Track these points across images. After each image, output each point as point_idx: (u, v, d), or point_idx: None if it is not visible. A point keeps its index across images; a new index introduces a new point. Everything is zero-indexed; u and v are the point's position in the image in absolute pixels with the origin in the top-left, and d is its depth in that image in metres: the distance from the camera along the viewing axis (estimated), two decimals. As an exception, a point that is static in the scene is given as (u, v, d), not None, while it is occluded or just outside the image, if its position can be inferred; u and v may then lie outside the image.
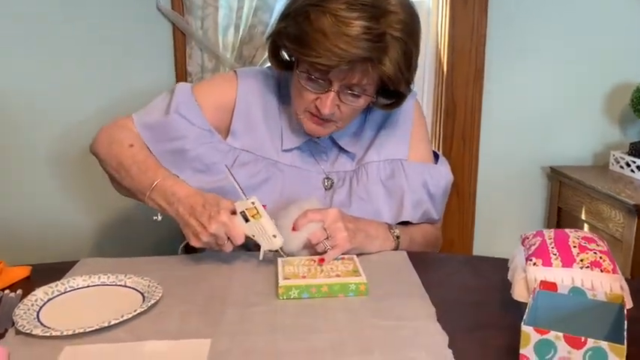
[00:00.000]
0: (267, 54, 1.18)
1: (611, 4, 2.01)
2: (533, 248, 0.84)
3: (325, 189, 1.20)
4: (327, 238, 1.02)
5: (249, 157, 1.17)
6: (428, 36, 2.04)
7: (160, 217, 1.07)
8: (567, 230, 0.86)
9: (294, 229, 1.03)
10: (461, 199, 2.08)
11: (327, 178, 1.21)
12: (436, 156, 1.29)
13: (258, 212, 1.00)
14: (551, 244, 0.82)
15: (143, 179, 1.07)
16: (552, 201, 2.11)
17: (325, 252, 1.01)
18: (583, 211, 1.92)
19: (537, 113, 2.09)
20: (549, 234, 0.86)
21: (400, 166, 1.20)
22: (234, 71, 1.23)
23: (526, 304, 0.81)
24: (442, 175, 1.24)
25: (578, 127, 2.11)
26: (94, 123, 1.86)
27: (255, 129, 1.19)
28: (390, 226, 1.14)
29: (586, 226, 1.92)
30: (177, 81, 1.88)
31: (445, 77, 2.00)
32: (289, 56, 1.14)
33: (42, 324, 0.84)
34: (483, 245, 2.15)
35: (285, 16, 1.08)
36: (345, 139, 1.21)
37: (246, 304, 0.90)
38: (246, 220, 1.00)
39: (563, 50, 2.04)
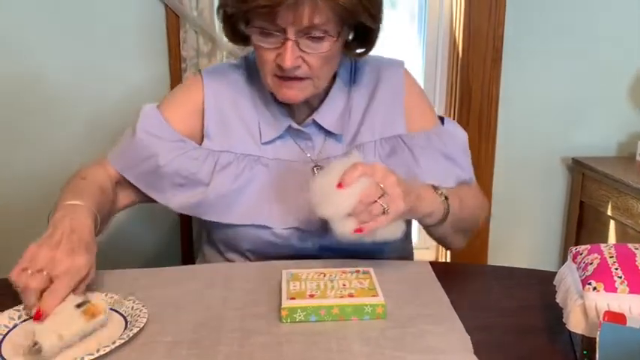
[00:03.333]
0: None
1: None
2: (590, 268, 0.69)
3: None
4: (382, 196, 0.86)
5: (230, 157, 1.07)
6: (441, 15, 1.90)
7: None
8: (631, 246, 0.72)
9: (340, 186, 0.85)
10: (476, 191, 1.94)
11: (317, 166, 1.09)
12: (442, 120, 1.16)
13: (94, 315, 0.75)
14: (613, 263, 0.68)
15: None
16: (574, 194, 1.98)
17: (373, 219, 0.86)
18: (609, 207, 1.78)
19: (558, 100, 1.95)
20: (609, 250, 0.71)
21: (400, 142, 1.08)
22: (200, 72, 1.14)
23: (582, 335, 0.68)
24: (453, 133, 1.13)
25: (602, 115, 1.97)
26: (80, 112, 1.79)
27: (230, 126, 1.09)
28: (434, 187, 0.99)
29: (612, 222, 1.78)
30: (172, 68, 1.75)
31: (460, 60, 1.86)
32: (244, 22, 1.02)
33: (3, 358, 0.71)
34: (500, 240, 2.02)
35: None
36: (330, 121, 1.09)
37: (244, 332, 0.76)
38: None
39: (586, 34, 1.90)
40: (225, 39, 1.70)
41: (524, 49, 1.89)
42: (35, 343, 0.70)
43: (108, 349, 0.70)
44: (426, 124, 1.11)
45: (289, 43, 0.95)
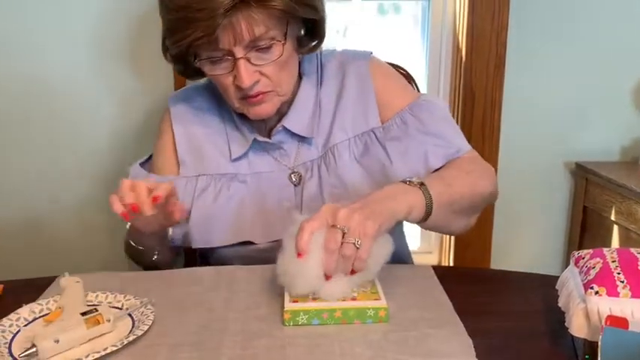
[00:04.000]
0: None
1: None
2: (593, 272, 0.69)
3: (294, 185, 1.07)
4: (344, 235, 0.77)
5: (207, 179, 1.07)
6: (445, 20, 1.90)
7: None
8: (633, 250, 0.72)
9: (299, 255, 0.78)
10: (479, 196, 1.93)
11: (294, 172, 1.08)
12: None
13: (98, 323, 0.76)
14: (616, 268, 0.68)
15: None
16: (577, 199, 1.97)
17: (352, 260, 0.78)
18: (613, 211, 1.77)
19: (561, 105, 1.94)
20: (611, 255, 0.71)
21: (373, 137, 1.05)
22: (168, 102, 1.15)
23: (584, 339, 0.68)
24: (430, 107, 1.05)
25: (605, 120, 1.96)
26: (83, 115, 1.79)
27: (201, 148, 1.10)
28: (404, 180, 0.90)
29: (616, 227, 1.77)
30: (176, 78, 1.75)
31: (463, 65, 1.86)
32: (192, 57, 1.01)
33: (11, 355, 0.72)
34: (503, 244, 2.01)
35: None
36: (300, 125, 1.07)
37: (246, 334, 0.76)
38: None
39: (590, 39, 1.89)
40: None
41: (527, 54, 1.88)
42: (33, 346, 0.71)
43: (113, 349, 0.71)
44: (402, 104, 1.07)
45: (240, 62, 0.94)
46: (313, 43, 1.06)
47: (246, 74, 0.95)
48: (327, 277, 0.79)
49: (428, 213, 0.88)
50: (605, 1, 1.86)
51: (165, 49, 1.03)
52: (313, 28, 1.04)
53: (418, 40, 1.95)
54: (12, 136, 1.76)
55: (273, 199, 1.05)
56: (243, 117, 1.07)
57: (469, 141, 1.10)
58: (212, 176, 1.07)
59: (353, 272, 0.79)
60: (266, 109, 1.01)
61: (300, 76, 1.09)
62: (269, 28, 0.93)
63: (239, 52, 0.94)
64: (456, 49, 1.90)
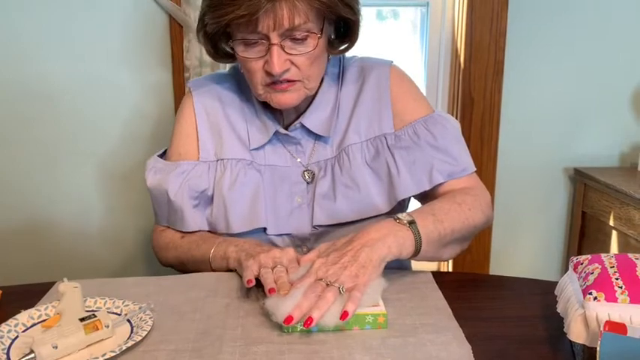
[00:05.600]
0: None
1: (640, -6, 1.87)
2: (591, 278, 0.69)
3: (307, 183, 1.09)
4: (328, 285, 0.80)
5: (225, 163, 1.09)
6: (443, 26, 1.90)
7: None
8: (631, 256, 0.72)
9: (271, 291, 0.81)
10: (478, 202, 1.93)
11: (307, 170, 1.09)
12: None
13: (96, 329, 0.76)
14: (614, 273, 0.68)
15: (200, 262, 1.04)
16: (576, 205, 1.97)
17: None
18: (611, 217, 1.78)
19: (560, 111, 1.95)
20: (610, 260, 0.71)
21: (384, 143, 1.07)
22: (189, 87, 1.16)
23: (583, 345, 0.68)
24: (443, 123, 1.07)
25: (604, 126, 1.97)
26: (82, 120, 1.79)
27: (221, 133, 1.11)
28: (394, 217, 0.91)
29: (614, 233, 1.78)
30: (175, 77, 1.76)
31: (462, 71, 1.86)
32: (225, 39, 1.04)
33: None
34: (502, 250, 2.02)
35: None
36: (317, 124, 1.09)
37: (246, 340, 0.76)
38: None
39: (588, 44, 1.90)
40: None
41: (525, 60, 1.89)
42: (31, 352, 0.71)
43: (102, 358, 0.70)
44: (416, 115, 1.08)
45: (274, 49, 0.96)
46: (344, 46, 1.08)
47: (278, 61, 0.96)
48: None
49: (417, 251, 0.90)
50: (602, 9, 1.87)
51: (200, 28, 1.04)
52: (345, 32, 1.06)
53: (417, 46, 1.95)
54: (12, 138, 1.76)
55: (284, 194, 1.08)
56: (265, 108, 1.10)
57: (468, 147, 1.11)
58: (230, 161, 1.09)
59: (345, 316, 0.77)
60: (291, 97, 1.02)
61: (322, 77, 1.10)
62: (308, 20, 0.96)
63: (275, 38, 0.95)
64: (455, 55, 1.90)
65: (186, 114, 1.14)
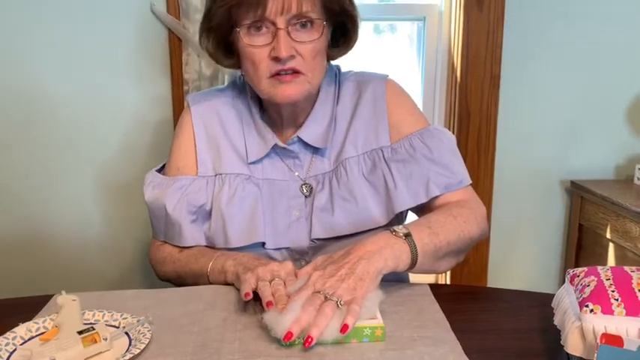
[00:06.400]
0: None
1: (636, 10, 1.88)
2: (588, 290, 0.70)
3: (305, 196, 1.09)
4: (326, 298, 0.80)
5: (223, 178, 1.10)
6: (440, 39, 1.92)
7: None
8: (627, 268, 0.72)
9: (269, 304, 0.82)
10: (475, 214, 1.94)
11: (305, 183, 1.10)
12: None
13: (95, 342, 0.76)
14: (610, 286, 0.69)
15: (198, 276, 1.04)
16: (573, 217, 1.98)
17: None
18: (608, 230, 1.78)
19: (557, 124, 1.96)
20: (606, 273, 0.72)
21: (381, 156, 1.08)
22: (188, 102, 1.17)
23: (579, 358, 0.68)
24: (438, 134, 1.08)
25: (600, 138, 1.98)
26: (80, 134, 1.79)
27: (219, 148, 1.12)
28: (391, 230, 0.92)
29: (611, 245, 1.78)
30: (174, 90, 1.77)
31: (459, 84, 1.88)
32: (230, 28, 1.04)
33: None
34: (500, 262, 2.02)
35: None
36: (315, 137, 1.10)
37: (243, 354, 0.76)
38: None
39: (584, 57, 1.91)
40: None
41: (522, 73, 1.90)
42: None
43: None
44: (412, 128, 1.09)
45: (281, 33, 0.97)
46: (343, 48, 1.11)
47: (286, 45, 0.98)
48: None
49: (413, 263, 0.91)
50: (599, 23, 1.89)
51: (204, 28, 1.06)
52: (343, 35, 1.09)
53: (414, 59, 1.97)
54: (12, 146, 1.76)
55: (283, 207, 1.08)
56: (263, 122, 1.11)
57: (464, 161, 1.12)
58: (228, 175, 1.09)
59: (345, 329, 0.77)
60: (295, 90, 1.02)
61: (317, 91, 1.11)
62: (314, 9, 0.99)
63: (282, 22, 0.97)
64: (451, 68, 1.92)
65: (185, 129, 1.15)
